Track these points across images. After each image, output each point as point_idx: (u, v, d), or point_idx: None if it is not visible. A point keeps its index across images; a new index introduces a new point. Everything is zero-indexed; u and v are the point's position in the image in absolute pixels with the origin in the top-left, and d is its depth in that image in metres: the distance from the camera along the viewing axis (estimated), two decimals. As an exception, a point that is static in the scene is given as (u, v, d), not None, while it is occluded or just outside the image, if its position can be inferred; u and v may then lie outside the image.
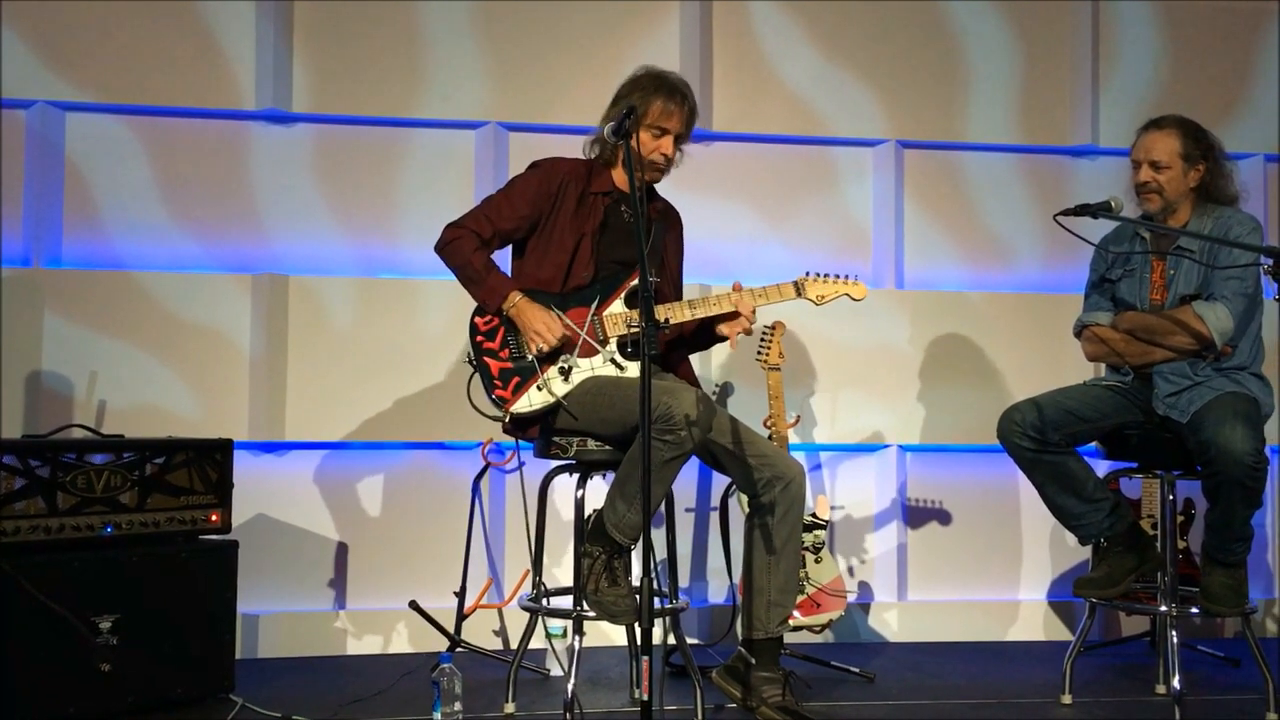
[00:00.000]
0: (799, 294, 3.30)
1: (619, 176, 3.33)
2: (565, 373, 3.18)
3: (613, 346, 3.22)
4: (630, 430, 3.00)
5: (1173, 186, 3.47)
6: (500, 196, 3.30)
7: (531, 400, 3.17)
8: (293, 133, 4.34)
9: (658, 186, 3.44)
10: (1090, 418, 3.45)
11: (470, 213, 3.29)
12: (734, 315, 3.28)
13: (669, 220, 3.47)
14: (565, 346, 3.19)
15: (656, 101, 3.22)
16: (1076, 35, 4.72)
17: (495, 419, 3.21)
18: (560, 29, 4.44)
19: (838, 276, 3.33)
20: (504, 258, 3.40)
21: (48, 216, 4.15)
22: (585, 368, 3.20)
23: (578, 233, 3.26)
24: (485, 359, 3.21)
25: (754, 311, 3.27)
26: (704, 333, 3.41)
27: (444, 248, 3.24)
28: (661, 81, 3.26)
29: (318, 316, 4.21)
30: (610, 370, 3.21)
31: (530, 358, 3.18)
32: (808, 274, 3.33)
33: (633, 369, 3.19)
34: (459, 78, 4.39)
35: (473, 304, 3.26)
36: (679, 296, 3.46)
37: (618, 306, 3.24)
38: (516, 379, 3.19)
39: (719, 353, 4.39)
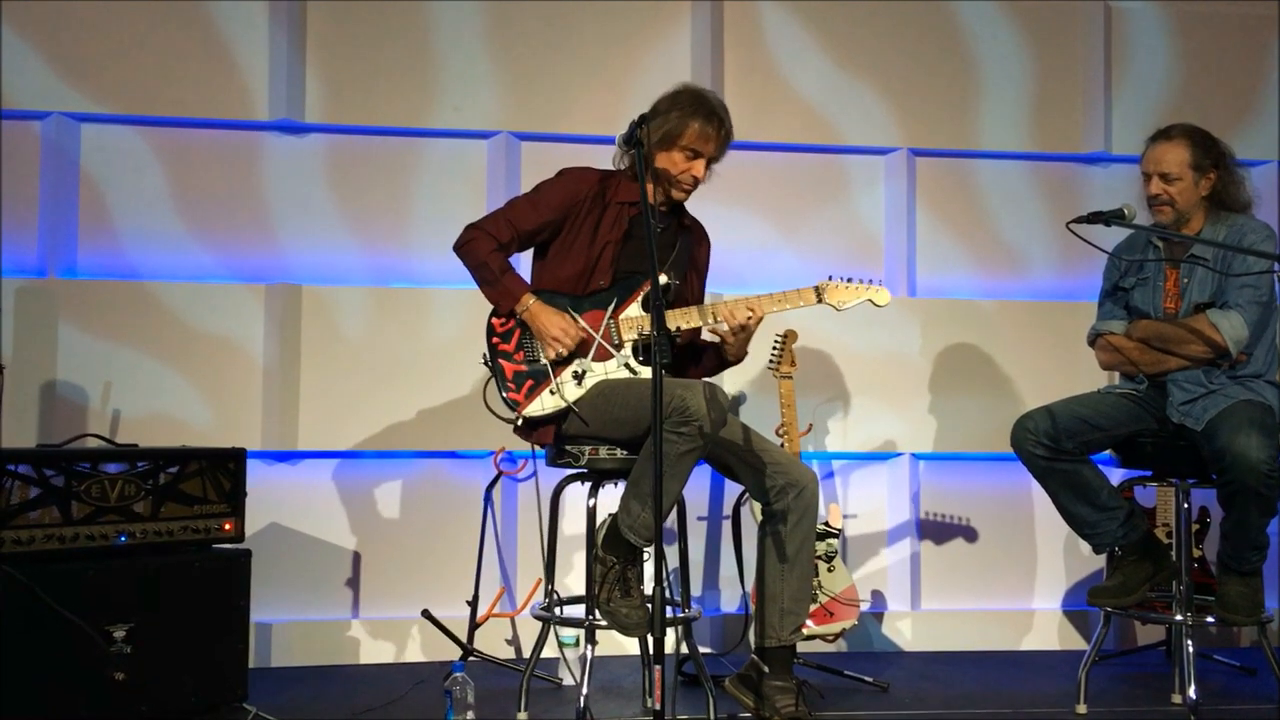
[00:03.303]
0: (819, 299, 3.25)
1: (647, 187, 3.32)
2: (579, 377, 3.18)
3: (628, 351, 3.22)
4: (644, 429, 2.99)
5: (1184, 197, 3.46)
6: (525, 200, 3.30)
7: (544, 404, 3.18)
8: (306, 143, 4.36)
9: (686, 203, 3.42)
10: (1104, 426, 3.44)
11: (491, 214, 3.29)
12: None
13: (696, 236, 3.46)
14: (580, 350, 3.20)
15: (694, 124, 3.21)
16: (1089, 42, 4.71)
17: (508, 421, 3.21)
18: (572, 38, 4.46)
19: (860, 281, 3.27)
20: (525, 262, 3.41)
21: (63, 227, 4.17)
22: (599, 371, 3.20)
23: (601, 241, 3.25)
24: (500, 361, 3.22)
25: (750, 318, 3.21)
26: (713, 356, 3.42)
27: (462, 247, 3.24)
28: (701, 103, 3.24)
29: (331, 326, 4.22)
30: (624, 374, 3.21)
31: (544, 361, 3.19)
32: (830, 278, 3.27)
33: (647, 373, 3.18)
34: (471, 88, 4.40)
35: (488, 312, 3.27)
36: None
37: (634, 310, 3.24)
38: (530, 382, 3.19)
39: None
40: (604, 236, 3.26)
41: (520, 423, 3.20)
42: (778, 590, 3.19)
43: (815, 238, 4.60)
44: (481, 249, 3.20)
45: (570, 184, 3.29)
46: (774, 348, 3.82)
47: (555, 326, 3.16)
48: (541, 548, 3.45)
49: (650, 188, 3.23)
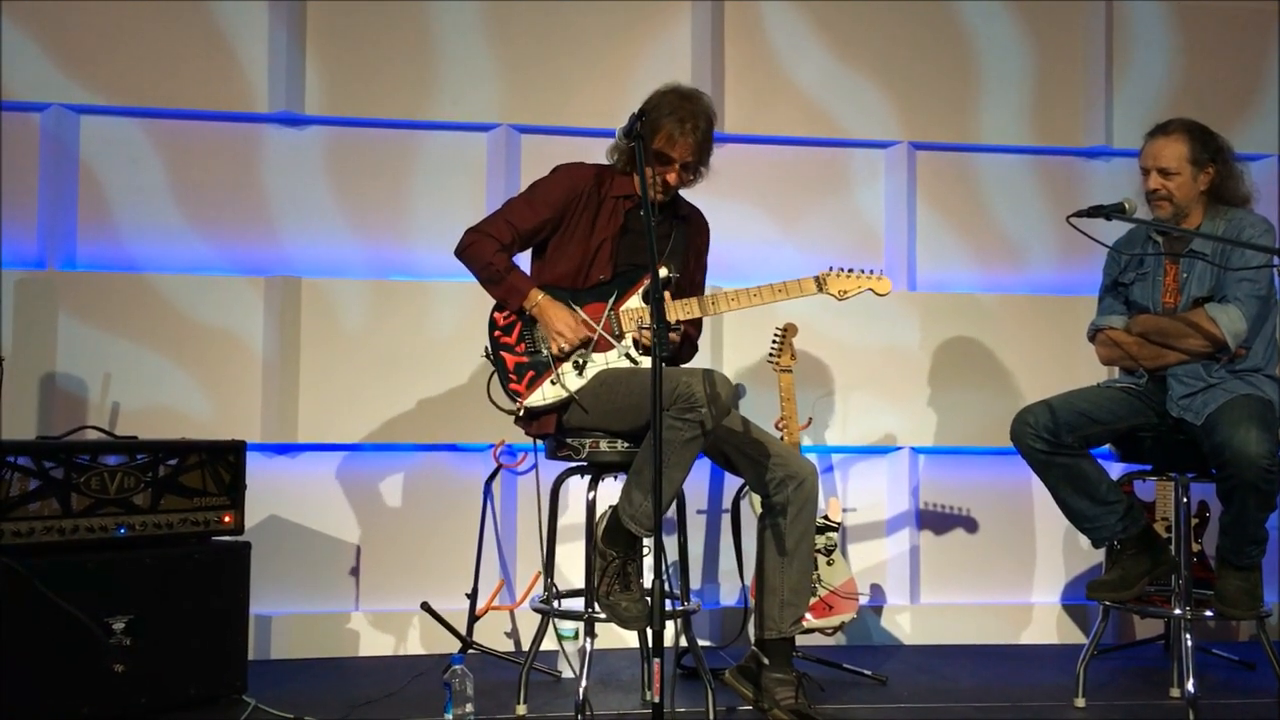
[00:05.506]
0: (820, 289, 3.25)
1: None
2: (579, 367, 3.19)
3: (628, 341, 3.23)
4: (646, 418, 2.98)
5: (1183, 192, 3.46)
6: (521, 199, 3.31)
7: (545, 394, 3.18)
8: (305, 135, 4.35)
9: (682, 191, 3.41)
10: (1104, 420, 3.44)
11: (490, 217, 3.30)
12: None
13: (694, 226, 3.46)
14: (583, 342, 3.20)
15: (665, 125, 3.18)
16: (1089, 36, 4.71)
17: (510, 412, 3.22)
18: (572, 31, 4.45)
19: (861, 271, 3.28)
20: (524, 259, 3.41)
21: (62, 219, 4.17)
22: (599, 362, 3.21)
23: (599, 236, 3.26)
24: (502, 353, 3.23)
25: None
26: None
27: (464, 251, 3.25)
28: (678, 106, 3.20)
29: (330, 318, 4.22)
30: (624, 364, 3.21)
31: (545, 352, 3.19)
32: (830, 268, 3.28)
33: (647, 363, 3.18)
34: (471, 80, 4.40)
35: (488, 305, 3.27)
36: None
37: (635, 302, 3.24)
38: (531, 373, 3.20)
39: (731, 355, 4.39)
40: (601, 231, 3.26)
41: (522, 413, 3.20)
42: (777, 583, 3.20)
43: (815, 231, 4.59)
44: (484, 250, 3.21)
45: (566, 180, 3.29)
46: (774, 341, 3.82)
47: (561, 321, 3.17)
48: (540, 541, 3.45)
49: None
